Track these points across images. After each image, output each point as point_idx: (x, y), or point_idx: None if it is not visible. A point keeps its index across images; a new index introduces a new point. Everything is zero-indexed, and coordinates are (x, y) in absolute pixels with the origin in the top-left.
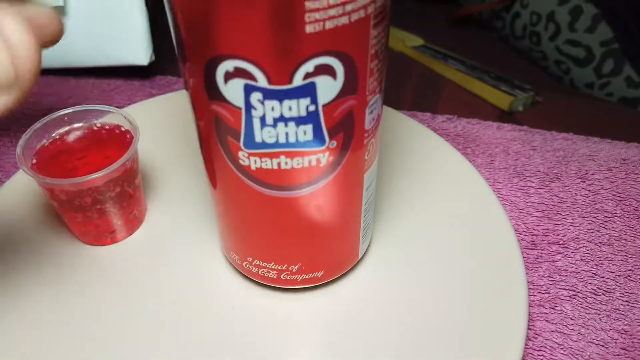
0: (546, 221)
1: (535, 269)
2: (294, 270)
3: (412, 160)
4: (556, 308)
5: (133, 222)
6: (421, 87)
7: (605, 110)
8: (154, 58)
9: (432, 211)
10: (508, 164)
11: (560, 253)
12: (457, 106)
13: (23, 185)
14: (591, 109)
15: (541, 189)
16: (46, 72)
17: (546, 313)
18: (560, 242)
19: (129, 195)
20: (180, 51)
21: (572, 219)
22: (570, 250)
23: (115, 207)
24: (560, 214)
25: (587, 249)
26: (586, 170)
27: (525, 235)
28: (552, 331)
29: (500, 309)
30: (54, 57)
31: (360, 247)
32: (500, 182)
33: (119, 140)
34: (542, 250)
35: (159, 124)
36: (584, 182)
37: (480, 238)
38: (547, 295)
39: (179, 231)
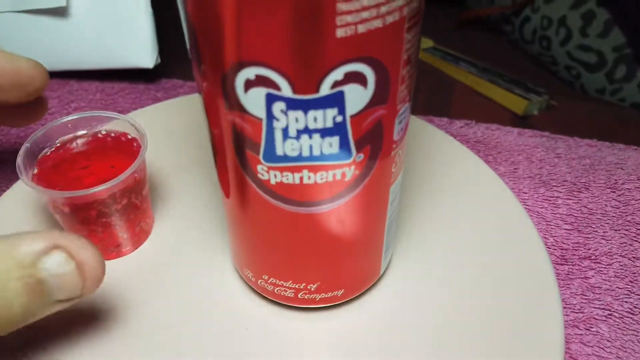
0: (576, 234)
1: (567, 286)
2: (312, 290)
3: (432, 169)
4: (592, 329)
5: (140, 235)
6: (432, 90)
7: (622, 116)
8: (159, 60)
9: (455, 223)
10: (532, 172)
11: (593, 269)
12: (469, 110)
13: (25, 194)
14: (608, 114)
15: (569, 199)
16: None
17: (581, 334)
18: (592, 257)
19: (136, 207)
20: (195, 56)
21: (604, 232)
22: (603, 266)
23: (122, 220)
24: (590, 226)
25: (621, 264)
26: (615, 180)
27: (554, 249)
28: (589, 355)
29: (535, 331)
30: (56, 59)
31: (382, 263)
32: (526, 193)
33: (126, 148)
34: (572, 265)
35: (166, 130)
36: (614, 192)
37: (509, 252)
38: (581, 314)
39: (188, 245)
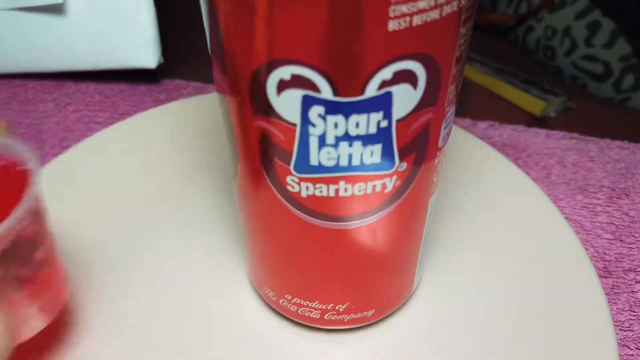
0: (618, 244)
1: (613, 301)
2: (340, 310)
3: (462, 174)
4: None
5: (35, 319)
6: None
7: None
8: (162, 60)
9: (489, 233)
10: (567, 177)
11: (639, 282)
12: (485, 111)
13: None
14: (628, 117)
15: (609, 206)
16: (43, 76)
17: (632, 355)
18: (638, 269)
19: (22, 282)
20: (218, 54)
21: None
22: None
23: None
24: (633, 235)
25: None
26: None
27: (596, 260)
28: None
29: (586, 353)
30: (53, 59)
31: (415, 280)
32: (562, 199)
33: (7, 184)
34: (617, 278)
35: (171, 135)
36: None
37: (550, 265)
38: (630, 333)
39: (198, 260)
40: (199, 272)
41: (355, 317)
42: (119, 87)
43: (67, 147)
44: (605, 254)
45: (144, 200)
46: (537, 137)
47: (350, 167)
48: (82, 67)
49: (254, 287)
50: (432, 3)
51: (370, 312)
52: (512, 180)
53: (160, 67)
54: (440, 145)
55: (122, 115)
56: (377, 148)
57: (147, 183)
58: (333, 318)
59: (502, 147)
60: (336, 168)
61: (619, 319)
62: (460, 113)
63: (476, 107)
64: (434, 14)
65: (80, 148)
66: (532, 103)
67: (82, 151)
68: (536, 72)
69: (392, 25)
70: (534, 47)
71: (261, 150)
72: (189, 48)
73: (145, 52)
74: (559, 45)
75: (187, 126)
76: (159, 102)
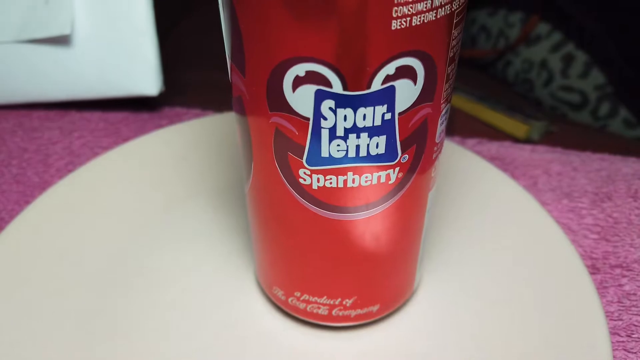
0: (604, 243)
1: (602, 294)
2: (347, 305)
3: (455, 182)
4: (633, 335)
5: None
6: None
7: (622, 143)
8: (164, 88)
9: (484, 236)
10: (552, 185)
11: (626, 276)
12: (470, 135)
13: None
14: (607, 139)
15: (593, 209)
16: (47, 106)
17: (624, 342)
18: (623, 265)
19: None
20: (237, 59)
21: (631, 240)
22: (636, 273)
23: None
24: (617, 235)
25: None
26: (636, 189)
27: (585, 259)
28: None
29: (581, 341)
30: (59, 89)
31: (416, 277)
32: (550, 204)
33: None
34: (605, 274)
35: (175, 154)
36: (636, 201)
37: (543, 264)
38: (620, 322)
39: (205, 265)
40: (205, 276)
41: (361, 312)
42: (122, 115)
43: (74, 170)
44: (593, 253)
45: (152, 214)
46: (523, 152)
47: (357, 158)
48: (87, 96)
49: (263, 289)
50: (429, 5)
51: (376, 307)
52: (502, 186)
53: (161, 97)
54: (437, 140)
55: (126, 141)
56: (382, 140)
57: (154, 198)
58: (340, 314)
59: (491, 160)
60: (345, 159)
61: (609, 310)
62: (447, 135)
63: (462, 132)
64: (430, 16)
65: (88, 168)
66: (516, 127)
67: (90, 171)
68: (517, 102)
69: (395, 25)
70: (513, 79)
71: (275, 146)
72: (188, 79)
73: (148, 81)
74: (536, 77)
75: (188, 146)
76: (161, 128)
